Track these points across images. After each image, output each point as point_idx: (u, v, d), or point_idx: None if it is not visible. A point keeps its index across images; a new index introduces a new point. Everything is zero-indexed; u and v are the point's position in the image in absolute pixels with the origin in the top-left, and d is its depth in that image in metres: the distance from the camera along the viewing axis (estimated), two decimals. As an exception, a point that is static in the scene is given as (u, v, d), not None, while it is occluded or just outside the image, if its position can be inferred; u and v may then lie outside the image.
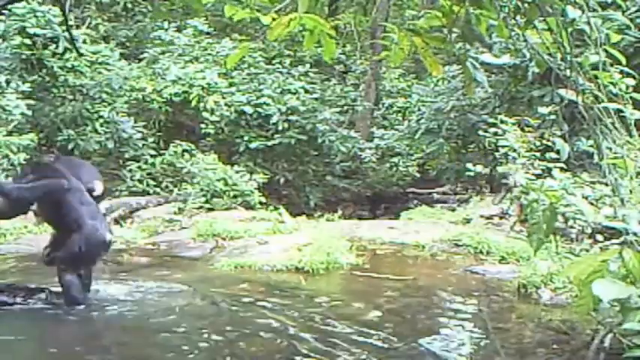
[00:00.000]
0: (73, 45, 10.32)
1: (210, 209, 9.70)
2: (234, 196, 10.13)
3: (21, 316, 4.67)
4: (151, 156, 12.06)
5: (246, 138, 12.88)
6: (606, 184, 3.56)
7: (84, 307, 4.85)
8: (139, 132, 12.04)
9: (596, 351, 3.55)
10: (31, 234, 7.61)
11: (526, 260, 6.26)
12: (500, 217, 8.66)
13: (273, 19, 3.24)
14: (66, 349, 4.14)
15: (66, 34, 11.05)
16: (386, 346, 4.15)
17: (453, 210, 10.59)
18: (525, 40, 3.24)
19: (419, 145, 13.79)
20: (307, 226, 8.52)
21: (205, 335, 4.31)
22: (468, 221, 8.78)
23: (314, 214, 10.76)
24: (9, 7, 10.53)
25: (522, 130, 7.31)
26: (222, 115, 12.77)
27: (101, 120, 11.59)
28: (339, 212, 10.33)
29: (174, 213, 9.51)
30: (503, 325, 4.68)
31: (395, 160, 14.94)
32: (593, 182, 5.14)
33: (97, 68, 12.10)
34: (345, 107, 15.70)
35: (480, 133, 9.21)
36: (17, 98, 10.24)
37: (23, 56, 11.19)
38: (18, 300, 4.79)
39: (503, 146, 7.22)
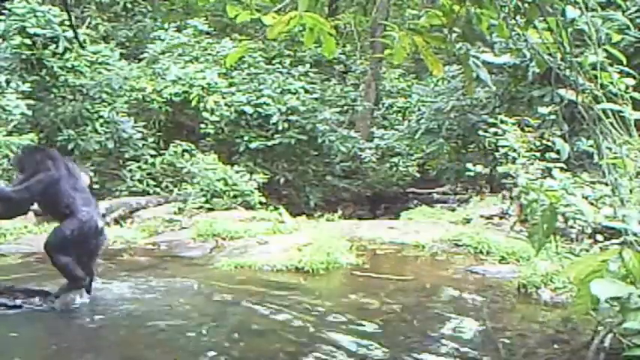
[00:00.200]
0: (76, 38, 10.32)
1: (210, 209, 9.71)
2: (234, 196, 10.14)
3: (21, 317, 4.67)
4: (151, 156, 12.07)
5: (246, 138, 12.88)
6: (606, 184, 3.56)
7: (84, 307, 4.86)
8: (139, 132, 12.05)
9: (596, 351, 3.55)
10: (31, 234, 7.62)
11: (526, 260, 6.26)
12: (500, 217, 8.66)
13: (274, 19, 3.24)
14: (66, 348, 4.14)
15: (66, 34, 11.07)
16: (386, 346, 4.14)
17: (453, 210, 10.59)
18: (525, 40, 3.24)
19: (419, 145, 13.80)
20: (307, 226, 8.53)
21: (205, 335, 4.31)
22: (468, 221, 8.78)
23: (314, 214, 10.77)
24: (9, 6, 10.55)
25: (522, 130, 7.30)
26: (222, 115, 12.78)
27: (101, 120, 11.60)
28: (339, 212, 10.34)
29: (174, 213, 9.52)
30: (503, 325, 4.68)
31: (395, 160, 14.95)
32: (593, 182, 5.13)
33: (97, 68, 12.12)
34: (345, 107, 15.71)
35: (480, 133, 9.20)
36: (17, 98, 10.26)
37: (23, 56, 11.21)
38: (18, 302, 4.78)
39: (503, 146, 7.22)
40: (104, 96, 11.87)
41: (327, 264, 6.38)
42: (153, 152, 12.18)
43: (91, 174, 11.15)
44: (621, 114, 3.21)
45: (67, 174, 4.95)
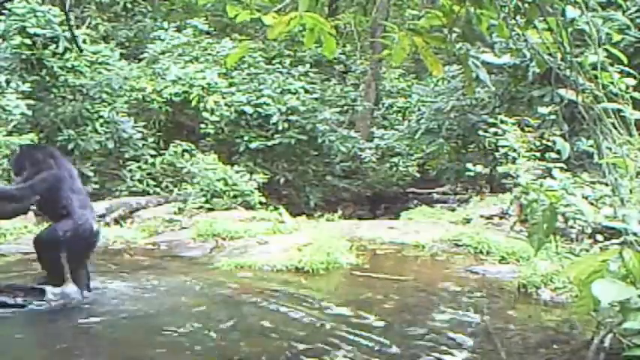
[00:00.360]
0: (75, 41, 10.33)
1: (210, 209, 9.70)
2: (234, 196, 10.13)
3: (21, 316, 4.67)
4: (151, 156, 12.07)
5: (246, 138, 12.89)
6: (606, 184, 3.56)
7: (85, 307, 4.86)
8: (139, 132, 12.06)
9: (596, 351, 3.55)
10: (31, 234, 7.59)
11: (526, 260, 6.26)
12: (500, 217, 8.66)
13: (274, 19, 3.24)
14: (66, 348, 4.14)
15: (66, 34, 11.08)
16: (386, 346, 4.14)
17: (453, 210, 10.59)
18: (525, 40, 3.24)
19: (419, 145, 13.80)
20: (307, 226, 8.52)
21: (205, 335, 4.31)
22: (468, 221, 8.77)
23: (314, 214, 10.76)
24: (9, 6, 10.55)
25: (522, 130, 7.30)
26: (222, 115, 12.79)
27: (101, 120, 11.60)
28: (339, 212, 10.34)
29: (174, 213, 9.52)
30: (503, 325, 4.67)
31: (395, 160, 14.95)
32: (593, 182, 5.13)
33: (97, 68, 12.11)
34: (345, 107, 15.72)
35: (480, 133, 9.21)
36: (17, 98, 10.26)
37: (23, 56, 11.21)
38: (18, 300, 4.78)
39: (503, 146, 7.21)
40: (104, 96, 11.87)
41: (327, 264, 6.38)
42: (153, 152, 12.18)
43: (91, 174, 11.19)
44: (621, 114, 3.21)
45: (67, 174, 4.95)
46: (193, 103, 12.81)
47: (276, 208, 9.60)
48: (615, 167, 3.12)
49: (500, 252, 6.78)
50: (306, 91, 13.65)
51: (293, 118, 12.97)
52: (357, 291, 5.70)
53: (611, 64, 3.45)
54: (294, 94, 13.35)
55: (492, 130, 7.79)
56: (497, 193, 10.21)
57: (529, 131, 7.28)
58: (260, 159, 13.00)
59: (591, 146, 4.56)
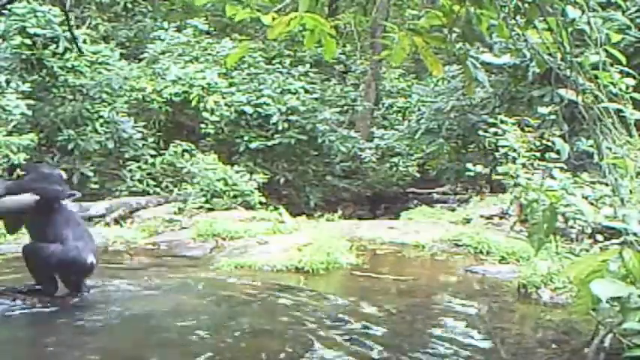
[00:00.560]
0: (75, 43, 10.33)
1: (210, 209, 9.71)
2: (234, 196, 10.14)
3: (21, 316, 4.67)
4: (151, 156, 12.07)
5: (246, 138, 12.89)
6: (606, 184, 3.56)
7: (84, 307, 4.86)
8: (139, 132, 12.06)
9: (596, 351, 3.55)
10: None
11: (526, 260, 6.26)
12: (500, 217, 8.66)
13: (274, 19, 3.24)
14: (66, 348, 4.14)
15: (66, 34, 11.08)
16: (386, 345, 4.14)
17: (453, 210, 10.59)
18: (525, 40, 3.24)
19: (419, 145, 13.81)
20: (307, 226, 8.53)
21: (205, 335, 4.30)
22: (468, 221, 8.78)
23: (314, 214, 10.76)
24: (9, 6, 10.54)
25: (522, 130, 7.31)
26: (222, 115, 12.79)
27: (101, 120, 11.60)
28: (339, 212, 10.34)
29: (174, 213, 9.52)
30: (503, 325, 4.68)
31: (395, 160, 14.96)
32: (593, 182, 5.13)
33: (97, 68, 12.12)
34: (345, 107, 15.72)
35: (480, 133, 9.21)
36: (17, 98, 10.26)
37: (23, 56, 11.21)
38: (18, 301, 4.78)
39: (503, 146, 7.22)
40: (104, 96, 11.87)
41: (327, 264, 6.38)
42: (153, 152, 12.18)
43: (91, 174, 11.18)
44: (621, 114, 3.21)
45: (67, 207, 4.90)
46: (193, 103, 12.81)
47: (276, 208, 9.60)
48: (615, 167, 3.12)
49: (500, 252, 6.78)
50: (306, 91, 13.65)
51: (293, 118, 12.98)
52: (357, 291, 5.70)
53: (611, 65, 3.45)
54: (294, 94, 13.35)
55: (492, 130, 7.81)
56: (497, 193, 10.21)
57: (529, 131, 7.29)
58: (260, 159, 13.01)
59: (591, 146, 4.57)
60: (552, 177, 5.13)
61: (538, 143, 6.97)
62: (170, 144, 12.33)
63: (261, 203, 10.36)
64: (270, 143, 12.89)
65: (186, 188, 10.74)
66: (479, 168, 8.33)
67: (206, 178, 10.35)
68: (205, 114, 12.78)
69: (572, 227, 5.98)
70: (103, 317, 4.72)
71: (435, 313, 5.11)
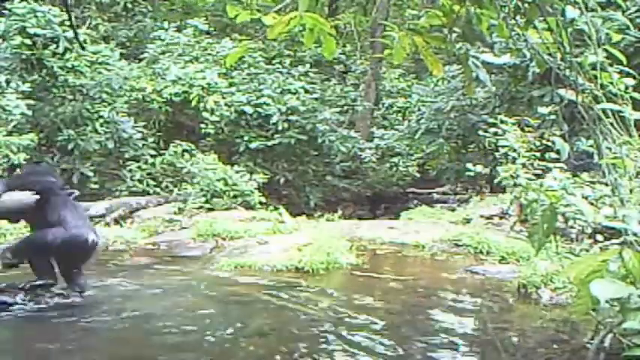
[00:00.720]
0: (77, 40, 10.32)
1: (210, 209, 9.71)
2: (234, 196, 10.14)
3: (21, 316, 4.67)
4: (151, 156, 12.07)
5: (246, 138, 12.89)
6: (606, 184, 3.56)
7: (84, 307, 4.86)
8: (139, 132, 12.06)
9: (596, 351, 3.54)
10: (31, 234, 7.60)
11: (526, 260, 6.26)
12: (500, 217, 8.66)
13: (274, 19, 3.24)
14: (66, 348, 4.14)
15: (66, 34, 11.08)
16: (386, 345, 4.14)
17: (453, 210, 10.59)
18: (525, 40, 3.24)
19: (419, 145, 13.81)
20: (307, 226, 8.53)
21: (204, 334, 4.31)
22: (468, 221, 8.78)
23: (314, 214, 10.77)
24: (9, 6, 10.54)
25: (522, 130, 7.31)
26: (222, 115, 12.79)
27: (101, 120, 11.60)
28: (339, 212, 10.35)
29: (174, 213, 9.52)
30: (503, 325, 4.68)
31: (395, 160, 14.95)
32: (593, 182, 5.13)
33: (97, 68, 12.11)
34: (345, 107, 15.72)
35: (480, 133, 9.21)
36: (17, 98, 10.25)
37: (23, 56, 11.20)
38: (18, 300, 4.79)
39: (503, 146, 7.22)
40: (104, 96, 11.87)
41: (327, 264, 6.38)
42: (153, 152, 12.18)
43: (91, 174, 11.17)
44: (621, 114, 3.21)
45: (63, 193, 5.02)
46: (193, 103, 12.81)
47: (276, 208, 9.60)
48: (615, 167, 3.12)
49: (500, 252, 6.78)
50: (306, 91, 13.65)
51: (293, 118, 12.98)
52: (357, 291, 5.70)
53: (611, 65, 3.45)
54: (294, 94, 13.35)
55: (492, 130, 7.80)
56: (497, 193, 10.21)
57: (529, 131, 7.29)
58: (260, 159, 13.01)
59: (591, 146, 4.57)
60: (552, 177, 5.13)
61: (538, 143, 6.97)
62: (170, 144, 12.33)
63: (261, 203, 10.36)
64: (270, 143, 12.89)
65: (186, 188, 10.74)
66: (479, 168, 8.33)
67: (206, 178, 10.35)
68: (205, 114, 12.77)
69: (572, 227, 5.97)
70: (103, 317, 4.72)
71: (434, 313, 5.11)
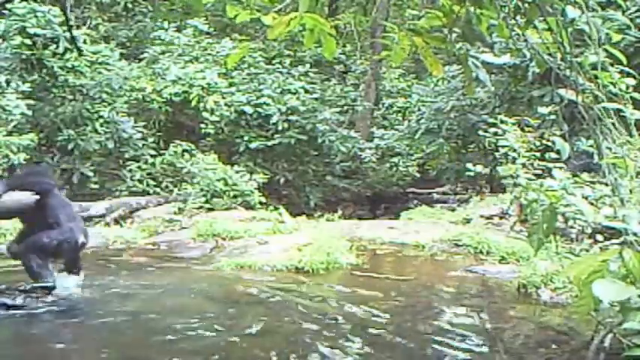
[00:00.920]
0: (74, 44, 10.32)
1: (210, 209, 9.71)
2: (234, 196, 10.14)
3: (21, 316, 4.67)
4: (151, 156, 12.07)
5: (246, 138, 12.89)
6: (606, 184, 3.56)
7: (84, 307, 4.86)
8: (139, 132, 12.06)
9: (596, 351, 3.55)
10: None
11: (526, 260, 6.26)
12: (500, 217, 8.66)
13: (274, 19, 3.24)
14: (65, 348, 4.14)
15: (66, 34, 11.07)
16: (386, 346, 4.14)
17: (453, 210, 10.59)
18: (525, 40, 3.24)
19: (419, 145, 13.81)
20: (307, 226, 8.53)
21: (205, 334, 4.31)
22: (468, 221, 8.77)
23: (314, 214, 10.77)
24: (9, 6, 10.55)
25: (522, 130, 7.31)
26: (222, 115, 12.79)
27: (101, 120, 11.60)
28: (339, 212, 10.34)
29: (174, 213, 9.52)
30: (503, 325, 4.68)
31: (395, 160, 14.96)
32: (593, 182, 5.13)
33: (97, 68, 12.12)
34: (345, 107, 15.72)
35: (480, 133, 9.21)
36: (17, 98, 10.26)
37: (23, 56, 11.21)
38: (18, 301, 4.79)
39: (503, 146, 7.22)
40: (104, 96, 11.87)
41: (327, 264, 6.38)
42: (153, 152, 12.19)
43: (91, 174, 11.17)
44: (621, 114, 3.21)
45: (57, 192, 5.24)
46: (193, 103, 12.81)
47: (276, 208, 9.60)
48: (615, 167, 3.12)
49: (500, 252, 6.78)
50: (306, 91, 13.65)
51: (293, 118, 12.98)
52: (357, 291, 5.70)
53: (611, 65, 3.45)
54: (294, 94, 13.35)
55: (492, 130, 7.81)
56: (497, 193, 10.21)
57: (529, 131, 7.30)
58: (260, 159, 13.01)
59: (591, 146, 4.57)
60: (552, 177, 5.12)
61: (538, 143, 6.97)
62: (170, 144, 12.33)
63: (261, 203, 10.36)
64: (270, 143, 12.89)
65: (186, 188, 10.74)
66: (479, 168, 8.33)
67: (206, 178, 10.35)
68: (205, 114, 12.78)
69: (572, 227, 5.98)
70: (103, 317, 4.72)
71: (434, 313, 5.11)
